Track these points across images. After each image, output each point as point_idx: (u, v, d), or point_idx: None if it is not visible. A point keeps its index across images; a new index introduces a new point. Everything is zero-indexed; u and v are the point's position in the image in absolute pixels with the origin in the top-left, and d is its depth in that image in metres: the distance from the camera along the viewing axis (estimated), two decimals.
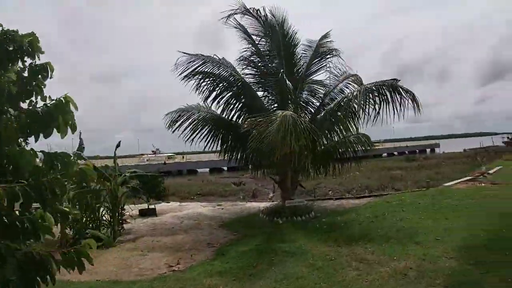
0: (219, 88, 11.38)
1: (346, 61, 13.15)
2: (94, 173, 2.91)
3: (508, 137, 69.78)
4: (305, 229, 9.47)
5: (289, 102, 11.51)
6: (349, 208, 12.25)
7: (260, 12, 11.52)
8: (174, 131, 11.76)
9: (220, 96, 11.56)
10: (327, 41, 13.12)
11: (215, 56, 11.12)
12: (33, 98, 2.92)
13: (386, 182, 18.93)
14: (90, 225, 10.17)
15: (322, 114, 10.86)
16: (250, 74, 12.19)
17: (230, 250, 8.02)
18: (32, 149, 2.71)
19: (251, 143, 9.12)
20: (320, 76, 13.03)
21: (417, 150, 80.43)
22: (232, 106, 11.81)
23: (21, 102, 2.87)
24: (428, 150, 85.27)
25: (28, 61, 3.00)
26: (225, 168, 47.56)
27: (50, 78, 2.99)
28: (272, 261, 6.87)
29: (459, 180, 16.36)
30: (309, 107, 12.98)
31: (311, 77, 12.99)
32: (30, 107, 2.88)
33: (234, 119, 11.98)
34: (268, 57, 11.95)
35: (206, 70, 10.95)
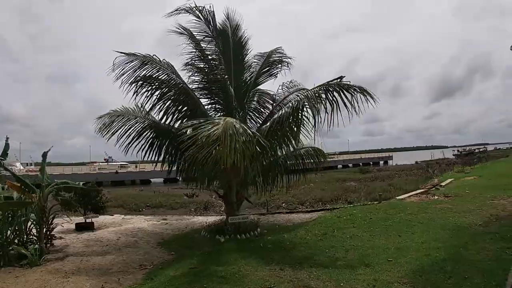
0: (158, 93, 10.46)
1: (302, 75, 13.00)
2: None
3: (458, 150, 73.28)
4: (248, 249, 8.80)
5: (236, 110, 11.01)
6: (298, 223, 11.78)
7: (206, 12, 10.84)
8: (108, 138, 10.69)
9: (159, 101, 10.66)
10: (279, 52, 12.75)
11: (155, 57, 10.31)
12: None
13: (340, 193, 18.90)
14: (16, 240, 9.24)
15: (269, 124, 10.39)
16: (194, 80, 11.46)
17: (161, 273, 7.24)
18: None
19: (192, 151, 8.46)
20: (271, 87, 12.70)
21: (371, 162, 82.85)
22: (172, 112, 10.99)
23: None
24: (381, 162, 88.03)
25: None
26: (180, 179, 46.43)
27: None
28: None
29: (412, 193, 16.35)
30: (257, 118, 12.52)
31: (261, 87, 12.56)
32: None
33: (175, 126, 11.20)
34: (215, 62, 11.35)
35: (144, 72, 10.08)
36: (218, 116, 11.41)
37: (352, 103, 9.06)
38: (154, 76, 10.28)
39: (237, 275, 6.82)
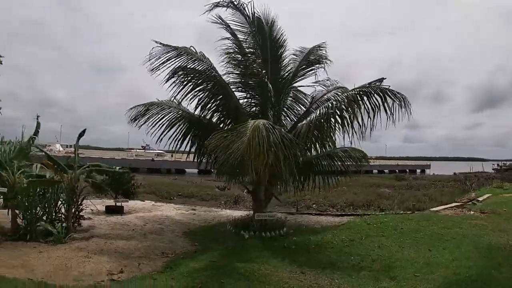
0: (192, 84, 10.43)
1: (339, 75, 12.55)
2: None
3: (498, 164, 69.64)
4: (271, 248, 8.54)
5: (271, 106, 10.81)
6: (327, 226, 11.42)
7: (244, 6, 10.73)
8: (140, 126, 10.89)
9: (193, 93, 10.63)
10: (320, 50, 12.41)
11: (191, 49, 10.31)
12: None
13: (373, 199, 18.35)
14: (44, 217, 9.47)
15: (305, 122, 10.13)
16: (231, 73, 11.33)
17: (182, 264, 7.17)
18: None
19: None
20: (308, 84, 12.34)
21: (408, 170, 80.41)
22: (205, 104, 10.91)
23: None
24: (418, 170, 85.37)
25: None
26: (214, 171, 46.64)
27: None
28: (221, 285, 5.98)
29: (447, 206, 15.64)
30: (292, 115, 12.23)
31: (298, 83, 12.21)
32: None
33: (209, 118, 11.16)
34: (252, 56, 11.18)
35: (180, 63, 10.05)
36: (253, 112, 11.30)
37: (392, 109, 8.73)
38: (188, 67, 10.24)
39: (257, 274, 6.61)
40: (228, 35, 11.14)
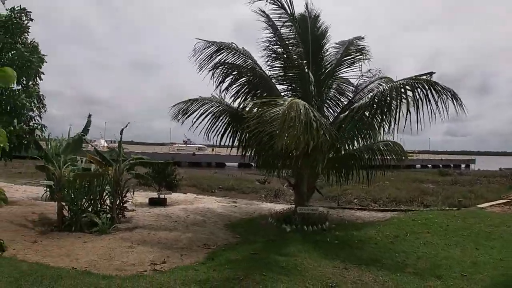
0: (233, 77, 10.45)
1: (380, 65, 12.07)
2: None
3: None
4: (313, 243, 8.34)
5: (313, 98, 10.56)
6: (370, 222, 11.10)
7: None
8: (183, 121, 11.01)
9: (235, 87, 10.69)
10: (361, 41, 12.01)
11: (232, 44, 10.29)
12: None
13: (416, 195, 17.69)
14: (90, 209, 9.74)
15: (347, 114, 9.83)
16: (272, 66, 11.23)
17: (223, 255, 7.14)
18: None
19: (251, 128, 8.22)
20: (350, 75, 11.98)
21: (452, 165, 77.47)
22: (246, 97, 10.84)
23: None
24: (463, 165, 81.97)
25: None
26: (254, 164, 46.77)
27: None
28: (263, 278, 5.84)
29: (494, 203, 14.86)
30: (335, 106, 11.95)
31: (340, 74, 11.89)
32: None
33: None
34: (293, 48, 10.96)
35: (221, 57, 10.13)
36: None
37: (438, 104, 8.34)
38: (229, 61, 10.24)
39: (299, 268, 6.46)
40: (269, 27, 11.02)
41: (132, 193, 11.21)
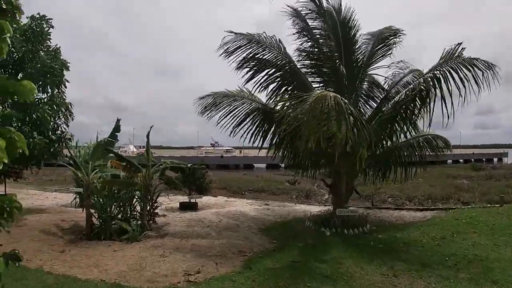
0: (263, 73, 9.92)
1: (407, 58, 11.32)
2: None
3: None
4: (356, 247, 7.79)
5: (346, 92, 9.96)
6: (411, 222, 10.43)
7: None
8: (210, 117, 10.53)
9: (264, 82, 10.12)
10: (390, 31, 11.18)
11: (263, 35, 9.76)
12: None
13: (452, 192, 16.73)
14: (119, 216, 9.48)
15: (385, 109, 9.22)
16: (302, 61, 10.64)
17: (260, 263, 6.66)
18: None
19: (285, 126, 7.76)
20: (384, 68, 11.26)
21: (484, 159, 74.73)
22: (278, 94, 10.30)
23: None
24: (495, 159, 78.99)
25: None
26: (282, 165, 46.22)
27: None
28: None
29: None
30: (370, 100, 11.28)
31: (373, 67, 11.15)
32: None
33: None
34: (324, 41, 10.36)
35: (251, 51, 9.62)
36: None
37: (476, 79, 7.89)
38: (259, 54, 9.74)
39: (345, 277, 5.94)
40: (297, 21, 10.49)
41: (167, 197, 10.90)
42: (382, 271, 6.26)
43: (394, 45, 11.02)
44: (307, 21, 10.49)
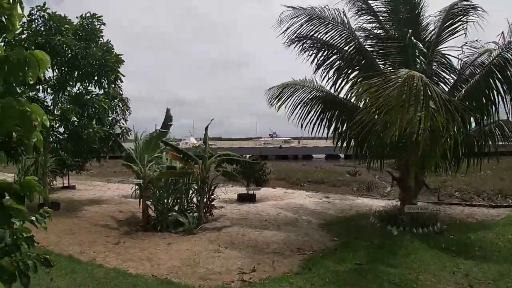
0: (326, 53, 9.13)
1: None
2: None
3: None
4: (426, 249, 6.94)
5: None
6: (483, 221, 9.36)
7: None
8: (278, 108, 10.04)
9: (327, 64, 9.29)
10: (464, 5, 9.88)
11: (326, 8, 8.99)
12: None
13: None
14: (176, 208, 9.39)
15: (460, 92, 8.27)
16: (367, 38, 9.72)
17: (321, 264, 6.11)
18: None
19: (360, 115, 7.09)
20: (455, 48, 10.07)
21: None
22: (343, 78, 9.51)
23: None
24: None
25: None
26: (342, 156, 45.01)
27: None
28: None
29: None
30: (441, 83, 10.17)
31: (442, 46, 9.86)
32: None
33: (346, 97, 9.75)
34: (388, 17, 9.47)
35: (310, 28, 8.88)
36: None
37: None
38: (321, 31, 8.96)
39: (415, 284, 5.26)
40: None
41: (225, 189, 10.72)
42: (456, 279, 5.50)
43: (463, 27, 9.81)
44: None
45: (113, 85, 11.52)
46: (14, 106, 1.86)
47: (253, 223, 9.32)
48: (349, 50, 9.18)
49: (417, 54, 8.69)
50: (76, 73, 10.76)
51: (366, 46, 9.63)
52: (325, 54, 9.17)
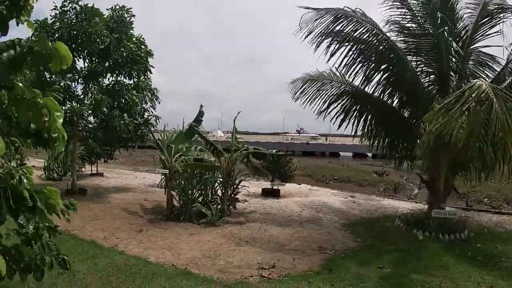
0: (356, 51, 8.84)
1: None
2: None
3: None
4: (451, 256, 6.64)
5: (451, 74, 8.71)
6: None
7: None
8: (302, 103, 9.86)
9: (356, 61, 8.96)
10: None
11: (346, 9, 8.66)
12: None
13: None
14: (200, 199, 9.47)
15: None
16: (397, 34, 9.36)
17: (342, 265, 5.99)
18: None
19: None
20: (492, 42, 9.57)
21: None
22: (372, 75, 9.15)
23: None
24: None
25: None
26: (369, 154, 44.45)
27: None
28: None
29: None
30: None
31: (478, 42, 9.48)
32: None
33: (375, 93, 9.46)
34: (421, 12, 9.15)
35: (337, 29, 8.63)
36: (427, 83, 9.32)
37: None
38: (350, 31, 8.70)
39: None
40: None
41: (250, 183, 10.75)
42: None
43: (502, 19, 9.33)
44: None
45: (142, 77, 11.77)
46: (25, 98, 1.85)
47: (276, 219, 9.27)
48: (378, 49, 8.86)
49: (452, 52, 8.35)
50: (107, 63, 10.97)
51: (396, 43, 9.31)
52: (355, 51, 8.90)
